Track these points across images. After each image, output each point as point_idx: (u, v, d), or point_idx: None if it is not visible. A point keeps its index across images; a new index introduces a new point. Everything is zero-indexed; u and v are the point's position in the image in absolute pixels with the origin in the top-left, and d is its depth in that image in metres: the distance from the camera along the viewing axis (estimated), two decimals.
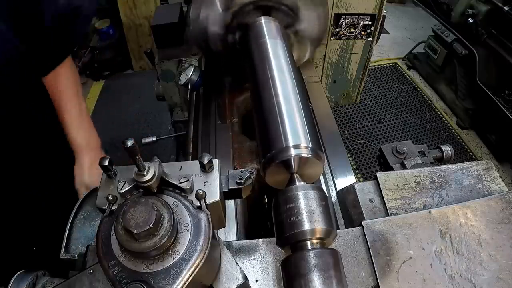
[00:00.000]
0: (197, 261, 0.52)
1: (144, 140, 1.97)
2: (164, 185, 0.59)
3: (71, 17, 1.11)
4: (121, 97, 4.13)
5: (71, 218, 0.93)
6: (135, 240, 0.49)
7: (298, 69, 1.63)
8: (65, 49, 1.19)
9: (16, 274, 0.79)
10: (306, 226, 0.64)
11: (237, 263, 0.67)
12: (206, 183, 0.62)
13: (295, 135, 0.81)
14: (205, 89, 1.67)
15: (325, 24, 1.40)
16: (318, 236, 0.66)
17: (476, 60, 3.25)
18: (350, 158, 3.27)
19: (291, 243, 0.67)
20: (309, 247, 0.65)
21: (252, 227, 1.21)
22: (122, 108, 3.97)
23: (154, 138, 1.96)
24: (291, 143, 0.79)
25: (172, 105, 2.11)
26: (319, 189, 0.71)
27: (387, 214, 0.88)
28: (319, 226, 0.65)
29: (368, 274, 0.76)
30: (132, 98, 4.08)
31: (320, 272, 0.60)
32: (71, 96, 1.21)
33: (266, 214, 1.30)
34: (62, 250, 0.87)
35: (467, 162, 0.97)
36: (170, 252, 0.52)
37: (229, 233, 1.02)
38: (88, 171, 1.23)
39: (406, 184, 0.93)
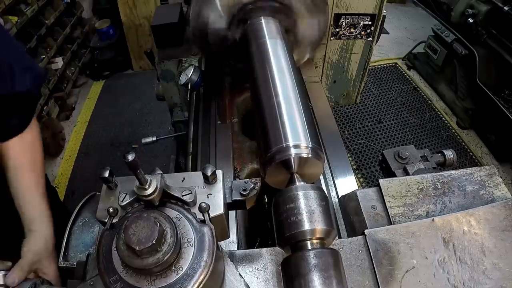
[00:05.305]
0: (201, 277, 0.50)
1: (144, 140, 1.96)
2: (166, 197, 0.58)
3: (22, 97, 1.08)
4: (121, 97, 4.12)
5: (69, 225, 0.92)
6: (137, 256, 0.48)
7: (298, 69, 1.62)
8: (15, 127, 1.13)
9: None
10: (306, 226, 0.64)
11: (241, 275, 0.66)
12: (209, 195, 0.61)
13: (295, 135, 0.81)
14: (205, 89, 1.66)
15: (324, 28, 1.40)
16: (318, 236, 0.65)
17: (476, 60, 3.24)
18: (350, 158, 3.27)
19: (291, 243, 0.67)
20: (309, 247, 0.65)
21: (252, 227, 1.20)
22: (122, 108, 3.96)
23: (154, 138, 1.96)
24: (291, 142, 0.79)
25: (172, 105, 2.10)
26: (319, 189, 0.70)
27: (390, 222, 0.87)
28: (319, 226, 0.64)
29: (373, 283, 0.75)
30: (132, 98, 4.07)
31: (320, 272, 0.60)
32: (24, 170, 1.11)
33: (266, 214, 1.29)
34: (61, 257, 0.86)
35: (470, 168, 0.96)
36: (174, 268, 0.51)
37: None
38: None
39: (409, 191, 0.92)
